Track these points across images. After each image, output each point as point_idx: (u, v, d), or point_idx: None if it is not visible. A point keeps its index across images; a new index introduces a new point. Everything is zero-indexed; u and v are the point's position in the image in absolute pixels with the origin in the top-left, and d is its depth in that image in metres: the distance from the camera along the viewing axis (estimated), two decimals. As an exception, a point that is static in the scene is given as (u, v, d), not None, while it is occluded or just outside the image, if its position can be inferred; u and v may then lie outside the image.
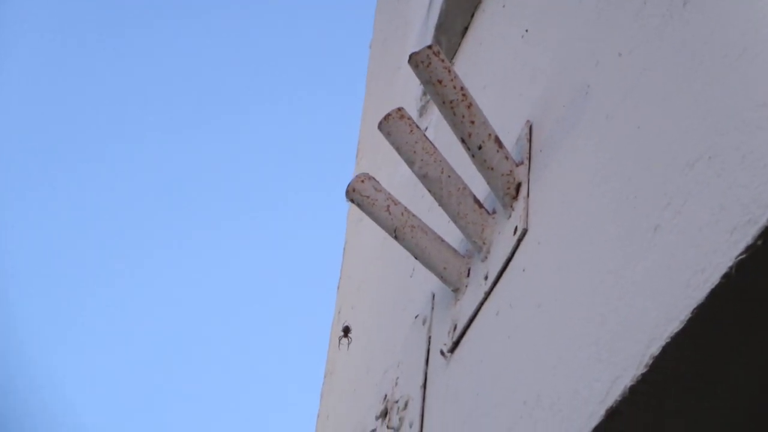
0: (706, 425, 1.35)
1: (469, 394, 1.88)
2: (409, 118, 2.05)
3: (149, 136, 10.53)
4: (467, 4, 2.83)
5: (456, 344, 2.03)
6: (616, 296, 1.41)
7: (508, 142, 2.02)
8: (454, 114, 1.93)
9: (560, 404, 1.47)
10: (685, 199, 1.31)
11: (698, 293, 1.22)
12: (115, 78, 10.29)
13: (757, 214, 1.16)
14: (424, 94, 3.02)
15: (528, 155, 1.95)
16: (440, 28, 2.89)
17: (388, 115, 2.04)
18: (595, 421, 1.36)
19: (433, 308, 2.26)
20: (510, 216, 1.92)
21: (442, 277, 2.12)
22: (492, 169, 1.94)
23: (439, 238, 2.13)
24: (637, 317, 1.33)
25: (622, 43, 1.67)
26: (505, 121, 2.11)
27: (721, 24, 1.37)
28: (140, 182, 10.33)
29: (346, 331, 2.99)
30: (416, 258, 2.14)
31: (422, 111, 3.06)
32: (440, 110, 1.96)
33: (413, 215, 2.14)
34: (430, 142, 2.05)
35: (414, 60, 1.91)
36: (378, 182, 2.16)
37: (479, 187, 2.05)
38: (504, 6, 2.55)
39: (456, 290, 2.10)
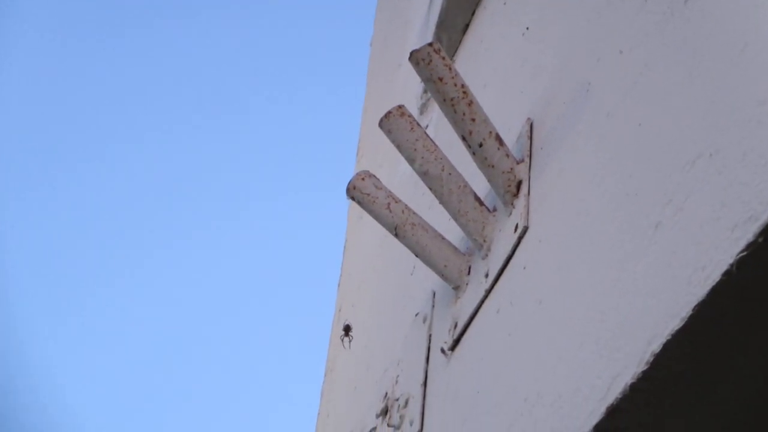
0: (706, 423, 1.35)
1: (470, 392, 1.88)
2: (410, 116, 2.05)
3: (149, 135, 10.53)
4: (468, 2, 2.83)
5: (456, 342, 2.02)
6: (617, 294, 1.41)
7: (509, 140, 2.02)
8: (455, 111, 1.93)
9: (561, 402, 1.47)
10: (686, 196, 1.31)
11: (699, 290, 1.22)
12: (115, 78, 10.30)
13: (758, 211, 1.16)
14: (425, 91, 3.01)
15: (529, 153, 1.95)
16: (441, 25, 2.89)
17: (389, 112, 2.04)
18: (595, 418, 1.36)
19: (433, 306, 2.26)
20: (511, 213, 1.92)
21: (442, 275, 2.12)
22: (493, 166, 1.94)
23: (440, 235, 2.13)
24: (638, 315, 1.33)
25: (623, 41, 1.67)
26: (505, 119, 2.11)
27: (722, 21, 1.37)
28: (140, 182, 10.33)
29: (347, 329, 2.99)
30: (417, 256, 2.13)
31: (423, 109, 3.06)
32: (441, 108, 1.96)
33: (414, 213, 2.14)
34: (431, 139, 2.05)
35: (415, 57, 1.91)
36: (378, 180, 2.16)
37: (480, 184, 2.05)
38: (505, 3, 2.54)
39: (456, 288, 2.10)
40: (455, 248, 2.12)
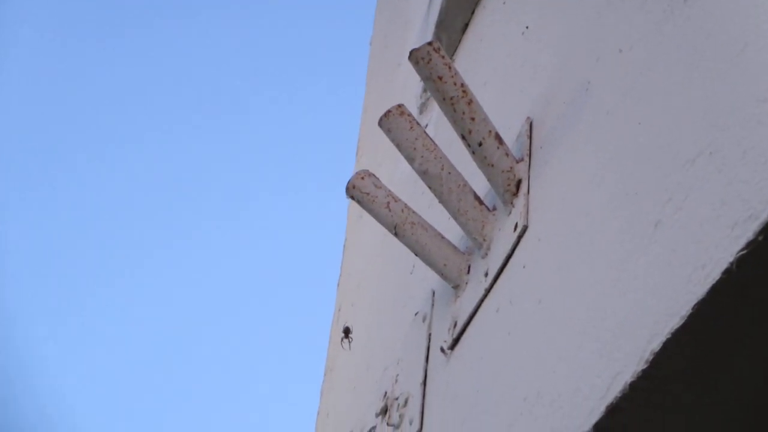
0: (706, 421, 1.35)
1: (470, 391, 1.88)
2: (410, 115, 2.05)
3: (149, 135, 10.53)
4: (468, 1, 2.83)
5: (456, 341, 2.02)
6: (616, 292, 1.41)
7: (509, 139, 2.02)
8: (455, 110, 1.92)
9: (560, 401, 1.47)
10: (686, 194, 1.31)
11: (699, 289, 1.22)
12: (115, 78, 10.30)
13: (758, 209, 1.16)
14: (425, 91, 3.01)
15: (528, 152, 1.95)
16: (441, 25, 2.89)
17: (389, 111, 2.04)
18: (595, 417, 1.35)
19: (433, 305, 2.26)
20: (510, 213, 1.92)
21: (442, 274, 2.12)
22: (492, 165, 1.94)
23: (440, 234, 2.12)
24: (637, 313, 1.33)
25: (622, 40, 1.67)
26: (505, 118, 2.11)
27: (722, 20, 1.37)
28: (140, 181, 10.33)
29: (347, 332, 2.99)
30: (416, 255, 2.13)
31: (422, 108, 3.06)
32: (440, 107, 1.95)
33: (413, 212, 2.14)
34: (431, 138, 2.05)
35: (414, 56, 1.91)
36: (378, 179, 2.16)
37: (479, 183, 2.05)
38: (504, 3, 2.54)
39: (456, 287, 2.10)
40: (455, 247, 2.12)
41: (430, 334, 2.23)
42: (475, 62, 2.65)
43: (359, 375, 2.88)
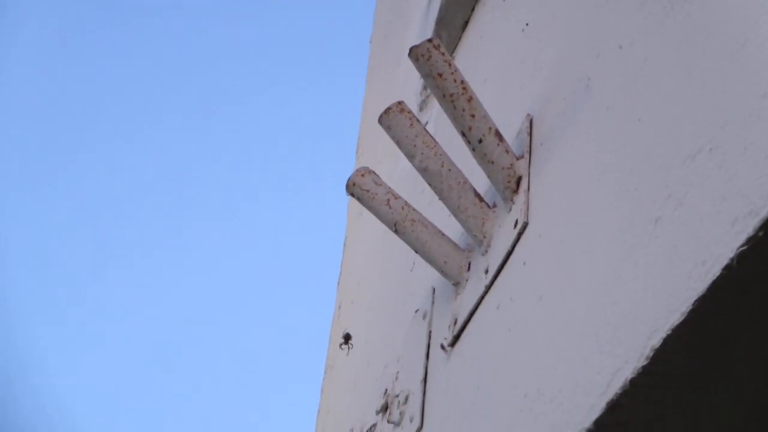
0: (706, 418, 1.35)
1: (470, 388, 1.87)
2: (410, 112, 2.04)
3: (148, 134, 10.53)
4: (467, -1, 2.83)
5: (456, 338, 2.02)
6: (617, 289, 1.41)
7: (509, 136, 2.02)
8: (455, 107, 1.92)
9: (561, 397, 1.47)
10: (687, 190, 1.30)
11: (699, 285, 1.22)
12: (115, 77, 10.29)
13: (759, 205, 1.15)
14: (425, 88, 3.01)
15: (528, 149, 1.95)
16: (441, 22, 2.89)
17: (389, 108, 2.04)
18: (595, 413, 1.35)
19: (433, 302, 2.26)
20: (510, 209, 1.92)
21: (442, 271, 2.12)
22: (492, 162, 1.94)
23: (440, 232, 2.12)
24: (638, 309, 1.33)
25: (622, 36, 1.67)
26: (505, 115, 2.11)
27: (722, 16, 1.37)
28: (139, 181, 10.33)
29: (347, 338, 2.99)
30: (416, 252, 2.13)
31: (422, 105, 3.06)
32: (440, 104, 1.95)
33: (413, 209, 2.14)
34: (431, 135, 2.05)
35: (414, 53, 1.91)
36: (378, 176, 2.16)
37: (480, 180, 2.05)
38: (504, 0, 2.54)
39: (456, 284, 2.10)
40: (455, 244, 2.12)
41: (430, 332, 2.23)
42: (475, 59, 2.65)
43: (359, 372, 2.88)
